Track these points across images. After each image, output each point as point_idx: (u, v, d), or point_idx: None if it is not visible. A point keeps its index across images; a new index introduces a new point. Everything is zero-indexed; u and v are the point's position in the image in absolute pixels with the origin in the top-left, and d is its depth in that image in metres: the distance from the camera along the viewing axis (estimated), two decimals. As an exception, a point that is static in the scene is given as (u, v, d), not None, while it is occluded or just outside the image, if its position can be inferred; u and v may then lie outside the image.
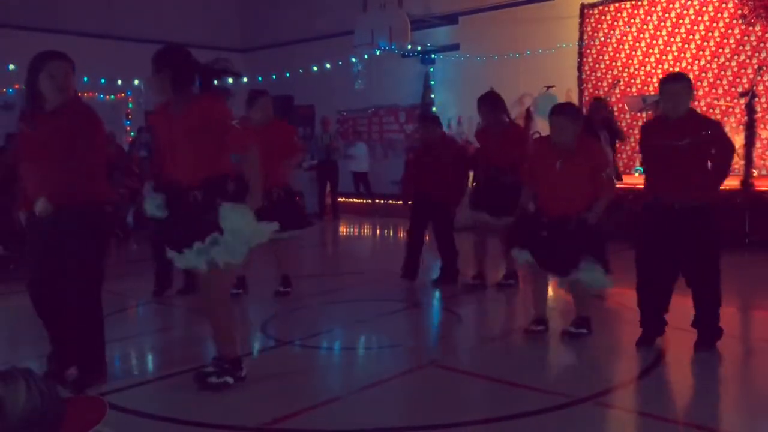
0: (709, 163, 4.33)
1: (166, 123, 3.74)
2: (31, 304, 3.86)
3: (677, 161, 4.23)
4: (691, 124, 4.29)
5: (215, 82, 3.77)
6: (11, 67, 11.73)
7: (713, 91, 9.95)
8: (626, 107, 10.63)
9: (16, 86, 12.04)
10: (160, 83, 3.68)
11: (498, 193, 6.06)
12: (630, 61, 10.72)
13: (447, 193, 6.43)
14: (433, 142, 6.55)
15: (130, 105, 13.52)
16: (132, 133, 13.46)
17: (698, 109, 9.88)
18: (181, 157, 3.69)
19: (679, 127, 4.25)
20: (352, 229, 12.22)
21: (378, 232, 11.97)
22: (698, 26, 10.09)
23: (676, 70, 10.19)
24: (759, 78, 9.33)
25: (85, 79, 12.21)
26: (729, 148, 4.47)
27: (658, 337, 4.53)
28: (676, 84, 4.31)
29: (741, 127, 9.16)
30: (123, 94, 12.99)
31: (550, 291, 5.17)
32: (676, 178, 4.23)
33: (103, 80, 12.54)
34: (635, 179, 9.09)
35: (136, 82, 12.64)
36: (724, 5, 9.87)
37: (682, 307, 4.50)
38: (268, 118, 5.83)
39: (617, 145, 9.58)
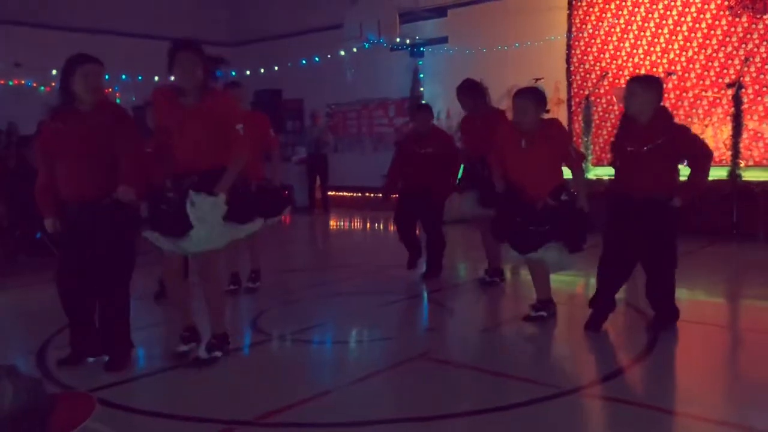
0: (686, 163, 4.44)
1: (178, 113, 3.93)
2: (59, 293, 4.03)
3: (642, 164, 4.32)
4: (656, 129, 4.32)
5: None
6: (-3, 62, 11.61)
7: (701, 82, 9.99)
8: (615, 99, 10.66)
9: (2, 82, 11.92)
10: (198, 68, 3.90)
11: (484, 184, 6.06)
12: (618, 53, 10.74)
13: (436, 187, 6.40)
14: (424, 132, 6.48)
15: (118, 100, 13.41)
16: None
17: (686, 101, 9.99)
18: (191, 147, 3.91)
19: (645, 132, 4.32)
20: (342, 223, 12.21)
21: (368, 225, 11.97)
22: (685, 18, 10.12)
23: (664, 61, 10.23)
24: (746, 69, 9.37)
25: (72, 74, 12.10)
26: (704, 156, 4.44)
27: (605, 320, 4.65)
28: (634, 85, 4.39)
29: (728, 118, 9.21)
30: (111, 89, 12.86)
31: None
32: (642, 177, 4.33)
33: (90, 75, 12.40)
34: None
35: (124, 76, 12.54)
36: (710, -3, 9.90)
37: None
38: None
39: None
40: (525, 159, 4.66)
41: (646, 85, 4.40)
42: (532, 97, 4.67)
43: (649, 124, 4.34)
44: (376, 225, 11.65)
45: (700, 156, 4.43)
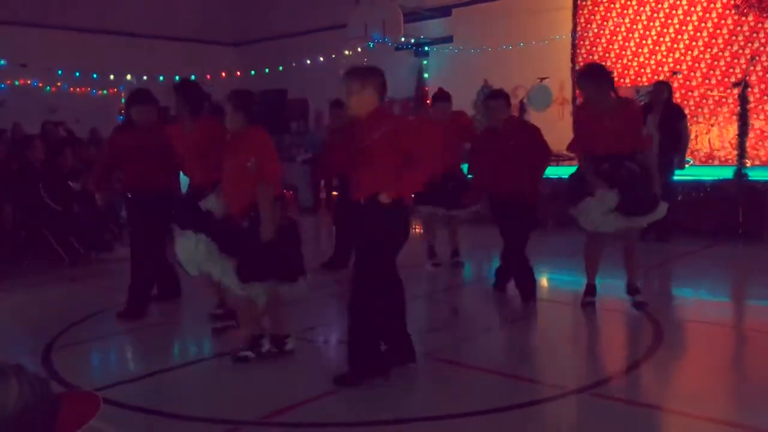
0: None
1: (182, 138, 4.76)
2: (152, 261, 5.43)
3: (366, 161, 3.93)
4: (372, 125, 3.92)
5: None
6: (1, 62, 11.63)
7: (706, 81, 9.96)
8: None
9: (8, 82, 11.95)
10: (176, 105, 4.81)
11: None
12: (623, 52, 10.71)
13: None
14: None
15: (123, 100, 13.44)
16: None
17: (691, 100, 9.97)
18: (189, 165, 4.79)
19: (362, 128, 3.98)
20: (346, 223, 12.18)
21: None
22: (691, 17, 10.09)
23: (669, 60, 10.20)
24: (751, 68, 9.34)
25: (77, 74, 12.12)
26: (425, 155, 3.95)
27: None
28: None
29: (734, 117, 9.18)
30: (116, 90, 12.88)
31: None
32: (364, 174, 3.94)
33: (95, 75, 12.46)
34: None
35: (129, 77, 12.57)
36: (716, -5, 9.87)
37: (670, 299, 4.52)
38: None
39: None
40: (225, 170, 4.25)
41: (358, 79, 3.91)
42: (230, 101, 4.19)
43: (365, 121, 3.95)
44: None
45: (417, 156, 3.87)
